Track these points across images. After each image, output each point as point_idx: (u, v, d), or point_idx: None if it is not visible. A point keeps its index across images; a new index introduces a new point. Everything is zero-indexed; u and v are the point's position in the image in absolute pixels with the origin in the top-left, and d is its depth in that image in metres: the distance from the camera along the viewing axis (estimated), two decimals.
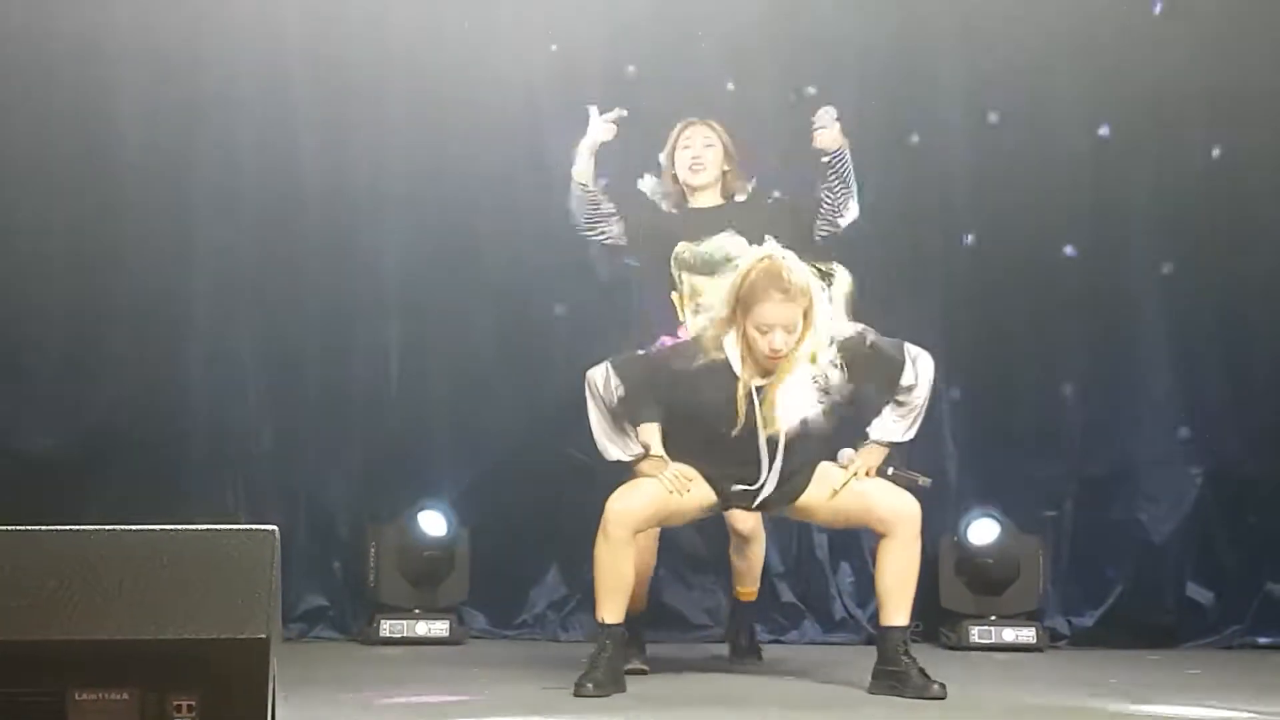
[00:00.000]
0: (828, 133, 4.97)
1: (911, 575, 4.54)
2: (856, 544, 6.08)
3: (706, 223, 4.97)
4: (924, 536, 6.00)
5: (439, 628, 5.72)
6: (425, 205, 6.04)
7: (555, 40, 6.02)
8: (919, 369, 4.54)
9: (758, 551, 5.18)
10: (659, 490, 4.49)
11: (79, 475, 5.72)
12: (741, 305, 4.37)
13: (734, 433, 4.40)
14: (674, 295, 4.99)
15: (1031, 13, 6.10)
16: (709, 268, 4.88)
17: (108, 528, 2.96)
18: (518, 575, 6.03)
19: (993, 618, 5.83)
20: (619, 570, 4.46)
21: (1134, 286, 6.18)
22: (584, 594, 5.91)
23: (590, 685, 4.33)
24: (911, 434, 4.64)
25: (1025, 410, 6.17)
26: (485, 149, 6.01)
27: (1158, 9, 6.15)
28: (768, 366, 4.42)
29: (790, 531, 6.07)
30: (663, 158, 5.11)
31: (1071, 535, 6.11)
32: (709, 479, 4.51)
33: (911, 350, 4.56)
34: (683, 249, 4.97)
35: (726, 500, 4.58)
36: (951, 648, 5.78)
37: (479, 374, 6.07)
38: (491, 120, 6.00)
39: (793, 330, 4.36)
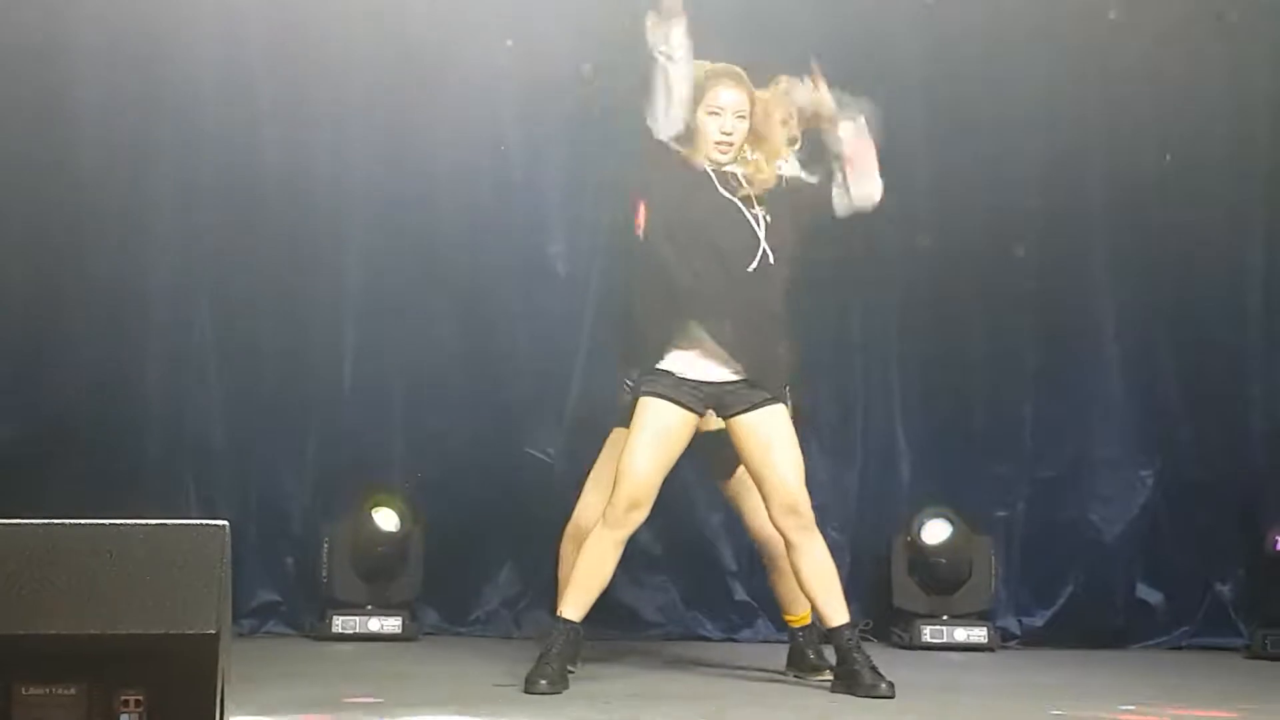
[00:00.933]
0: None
1: (834, 570, 4.53)
2: None
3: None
4: (878, 536, 6.14)
5: (391, 624, 5.72)
6: (384, 203, 6.04)
7: (513, 37, 6.02)
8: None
9: (788, 566, 4.65)
10: (651, 439, 4.40)
11: (33, 470, 5.68)
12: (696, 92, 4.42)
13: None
14: None
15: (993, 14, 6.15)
16: None
17: (58, 521, 2.94)
18: (471, 572, 6.03)
19: (945, 617, 5.87)
20: (601, 569, 4.45)
21: (1085, 288, 6.23)
22: (537, 591, 5.92)
23: (544, 682, 4.34)
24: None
25: (977, 411, 6.22)
26: (444, 147, 6.01)
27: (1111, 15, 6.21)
28: (719, 159, 4.43)
29: (741, 530, 6.07)
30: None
31: (1023, 536, 6.17)
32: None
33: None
34: None
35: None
36: (904, 647, 5.82)
37: (436, 371, 6.07)
38: (451, 118, 6.00)
39: (743, 117, 4.43)
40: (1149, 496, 6.16)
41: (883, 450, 6.19)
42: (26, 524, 2.92)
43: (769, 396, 4.47)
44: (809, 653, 4.91)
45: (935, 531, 5.91)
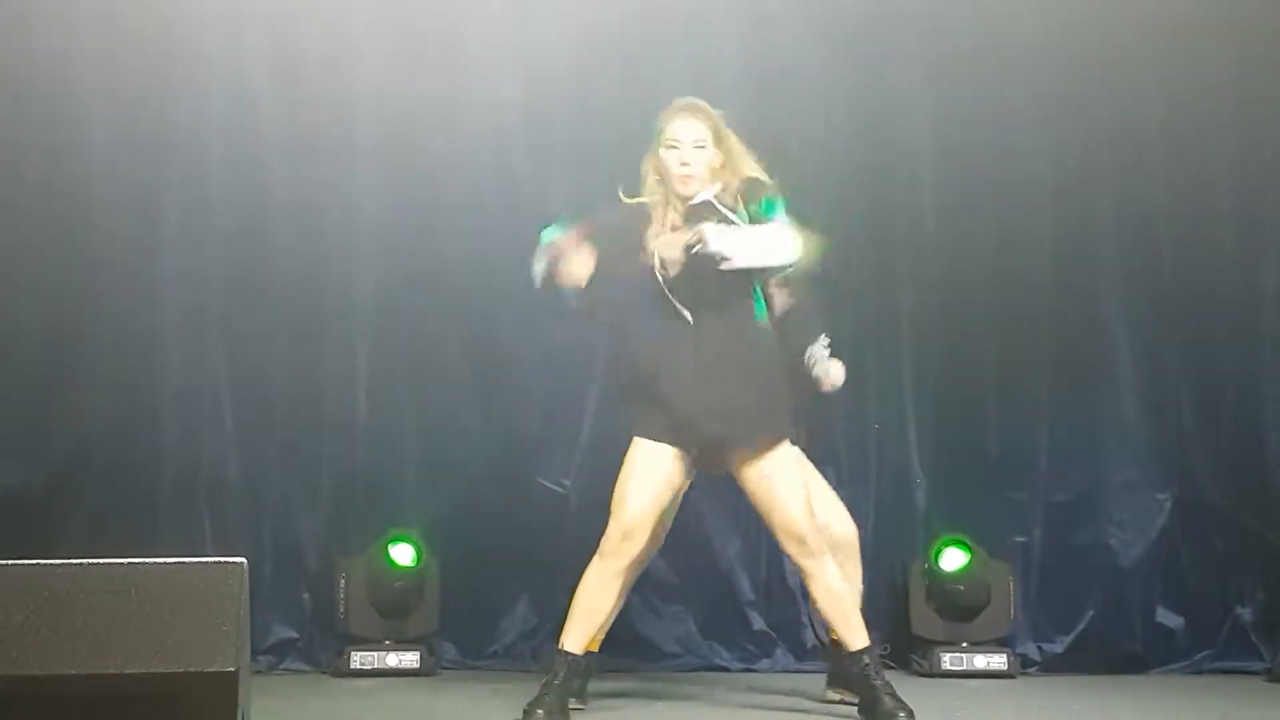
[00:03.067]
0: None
1: (848, 594, 4.57)
2: None
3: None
4: (894, 563, 6.11)
5: (409, 659, 5.70)
6: (394, 237, 6.04)
7: (522, 66, 6.03)
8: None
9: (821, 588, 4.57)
10: (644, 476, 4.47)
11: (48, 508, 5.70)
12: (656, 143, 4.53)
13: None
14: None
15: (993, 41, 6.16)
16: None
17: (76, 561, 2.94)
18: (488, 606, 6.01)
19: (964, 644, 5.84)
20: (600, 599, 4.48)
21: (1099, 311, 6.21)
22: (555, 624, 5.85)
23: (540, 712, 4.35)
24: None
25: (992, 437, 6.19)
26: (454, 176, 6.02)
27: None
28: (684, 192, 4.49)
29: (760, 560, 6.08)
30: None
31: (1041, 561, 6.13)
32: None
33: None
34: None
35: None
36: (923, 675, 5.78)
37: (449, 404, 6.06)
38: (460, 148, 6.01)
39: (703, 147, 4.51)
40: (1167, 520, 6.13)
41: (898, 478, 6.17)
42: (45, 564, 2.92)
43: (768, 435, 4.49)
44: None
45: (952, 558, 5.88)
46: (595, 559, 4.50)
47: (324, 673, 5.78)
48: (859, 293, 6.17)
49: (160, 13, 5.91)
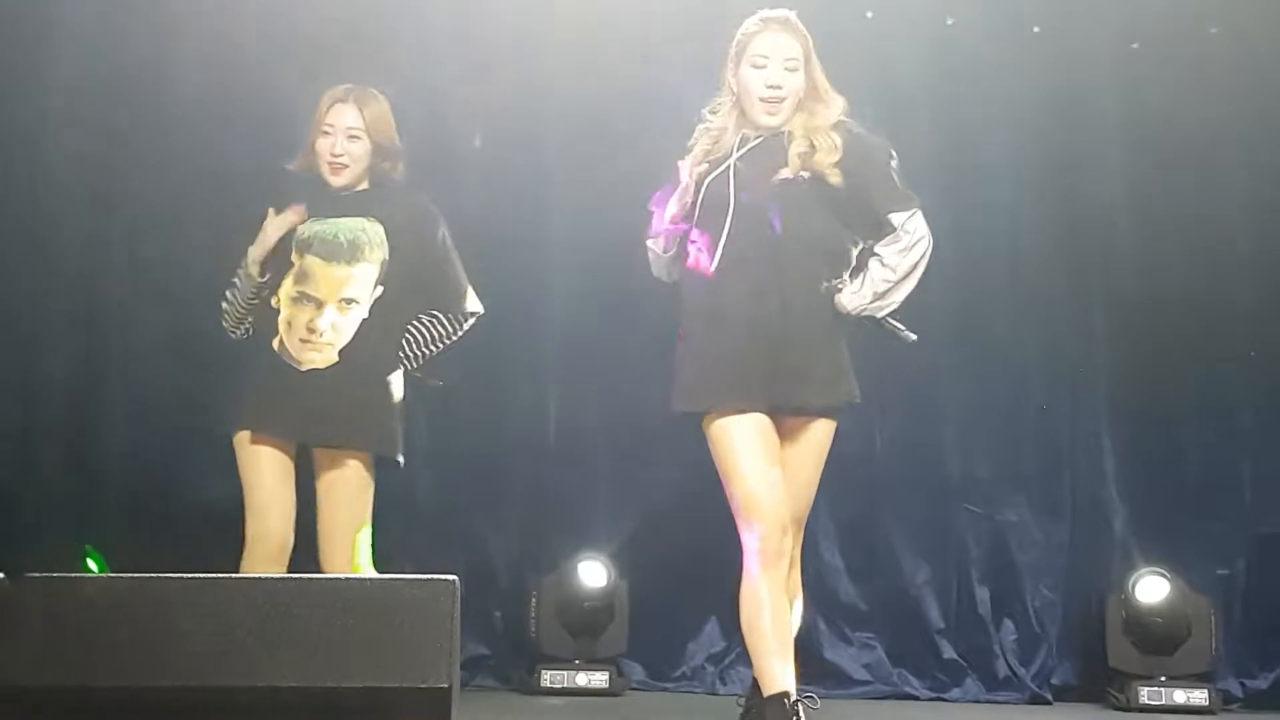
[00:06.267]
0: None
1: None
2: (1020, 600, 5.99)
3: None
4: (1090, 594, 5.97)
5: (599, 679, 5.73)
6: (584, 254, 6.07)
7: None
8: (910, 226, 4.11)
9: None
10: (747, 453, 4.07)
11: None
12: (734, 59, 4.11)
13: None
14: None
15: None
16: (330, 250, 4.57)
17: (294, 576, 3.01)
18: (676, 627, 6.02)
19: (1162, 679, 5.68)
20: (787, 616, 4.08)
21: None
22: (741, 648, 5.86)
23: None
24: (889, 306, 4.15)
25: (1192, 466, 6.02)
26: (641, 198, 6.02)
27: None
28: (767, 121, 4.07)
29: (951, 587, 6.00)
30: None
31: (1244, 594, 5.94)
32: None
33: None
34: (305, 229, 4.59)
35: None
36: (1120, 709, 5.65)
37: (637, 424, 6.07)
38: (648, 171, 6.01)
39: (794, 69, 4.06)
40: None
41: (1094, 506, 6.03)
42: (268, 577, 3.00)
43: (823, 405, 4.11)
44: None
45: (1151, 590, 5.73)
46: (758, 573, 4.02)
47: (515, 690, 5.84)
48: (1050, 315, 6.06)
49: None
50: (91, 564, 5.50)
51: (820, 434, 4.18)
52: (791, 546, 4.17)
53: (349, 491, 4.55)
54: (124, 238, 5.89)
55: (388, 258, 4.61)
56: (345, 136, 4.60)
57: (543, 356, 6.12)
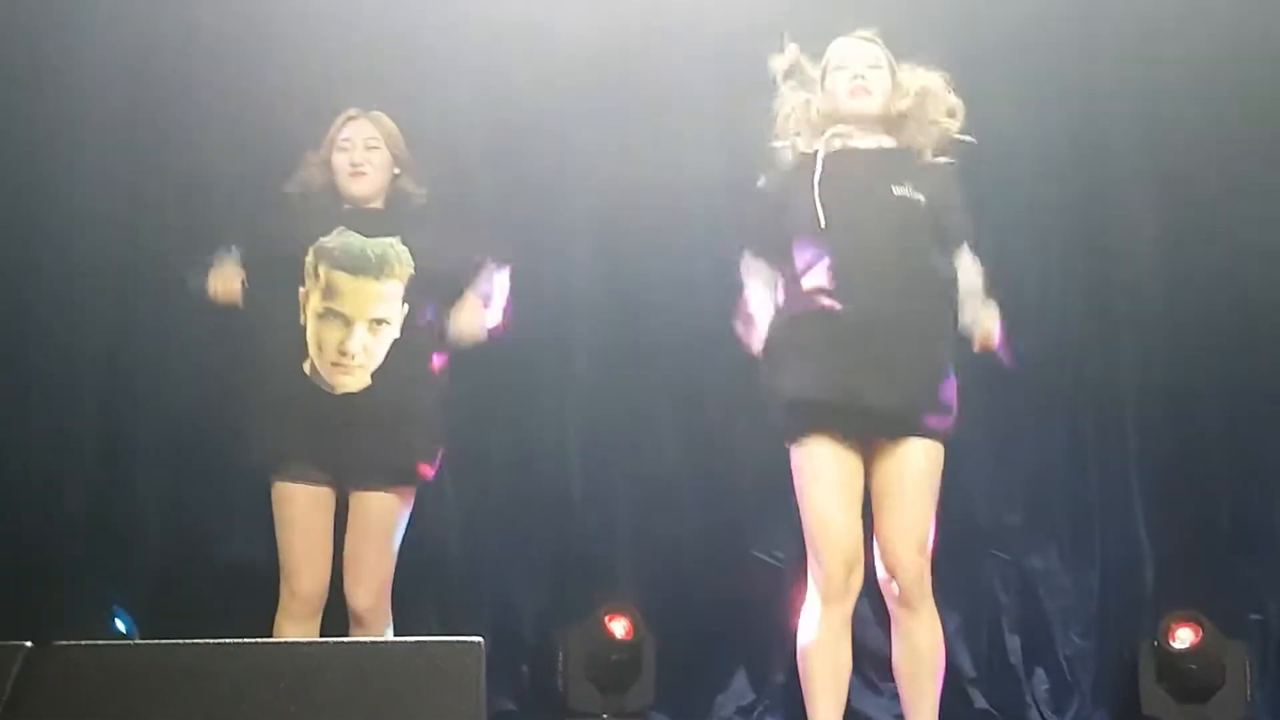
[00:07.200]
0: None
1: None
2: (1051, 649, 5.93)
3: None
4: (1122, 640, 5.91)
5: None
6: (606, 309, 6.07)
7: (730, 140, 6.02)
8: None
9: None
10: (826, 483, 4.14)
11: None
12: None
13: None
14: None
15: None
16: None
17: (318, 640, 3.00)
18: (704, 679, 5.97)
19: None
20: (844, 655, 4.17)
21: None
22: (771, 700, 5.85)
23: None
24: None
25: (1224, 510, 5.97)
26: (662, 255, 6.03)
27: None
28: (859, 109, 4.06)
29: (981, 637, 5.95)
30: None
31: (1278, 639, 5.89)
32: None
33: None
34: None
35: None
36: None
37: (661, 477, 6.06)
38: (670, 225, 6.02)
39: (879, 67, 4.04)
40: None
41: (1125, 552, 5.99)
42: (291, 642, 3.00)
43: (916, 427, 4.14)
44: None
45: (1184, 636, 5.68)
46: (821, 610, 4.09)
47: None
48: (1081, 357, 6.03)
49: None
50: (119, 624, 5.50)
51: (919, 455, 4.18)
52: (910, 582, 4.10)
53: (383, 524, 4.64)
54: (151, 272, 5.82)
55: (414, 274, 4.66)
56: (364, 147, 4.69)
57: (565, 412, 6.09)
